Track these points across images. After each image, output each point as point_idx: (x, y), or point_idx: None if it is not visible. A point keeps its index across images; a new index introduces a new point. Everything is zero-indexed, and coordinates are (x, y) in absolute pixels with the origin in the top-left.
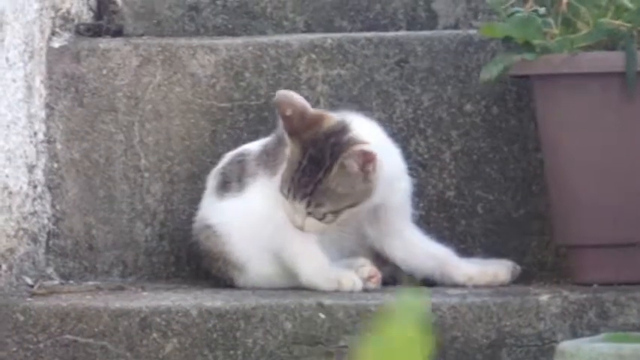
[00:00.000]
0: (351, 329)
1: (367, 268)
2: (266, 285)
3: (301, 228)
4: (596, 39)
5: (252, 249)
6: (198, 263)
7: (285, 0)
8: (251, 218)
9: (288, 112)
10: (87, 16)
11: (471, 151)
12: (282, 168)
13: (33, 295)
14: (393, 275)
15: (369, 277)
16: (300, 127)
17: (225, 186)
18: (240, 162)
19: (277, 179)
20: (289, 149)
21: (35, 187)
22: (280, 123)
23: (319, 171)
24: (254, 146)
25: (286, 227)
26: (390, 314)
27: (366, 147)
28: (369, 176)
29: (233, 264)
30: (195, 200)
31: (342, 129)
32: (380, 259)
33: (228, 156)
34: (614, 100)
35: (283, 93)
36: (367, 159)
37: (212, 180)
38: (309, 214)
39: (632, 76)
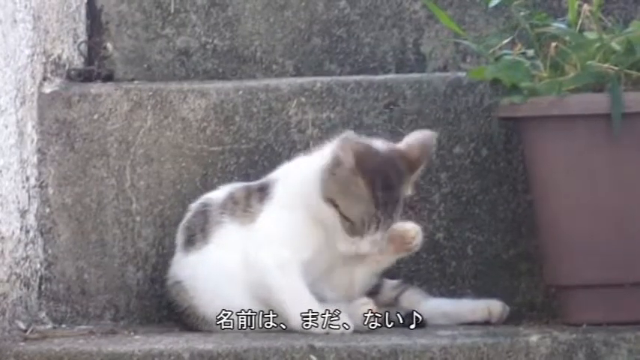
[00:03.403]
0: None
1: (368, 306)
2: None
3: (372, 250)
4: (584, 82)
5: (218, 301)
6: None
7: (274, 44)
8: (217, 269)
9: (355, 148)
10: (78, 62)
11: (460, 193)
12: (261, 216)
13: (26, 339)
14: (386, 317)
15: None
16: (363, 158)
17: (191, 239)
18: (204, 212)
19: (253, 227)
20: (351, 184)
21: (27, 231)
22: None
23: (395, 192)
24: (217, 194)
25: (272, 270)
26: None
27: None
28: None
29: (202, 318)
30: None
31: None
32: (374, 301)
33: (192, 208)
34: (601, 141)
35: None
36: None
37: (180, 235)
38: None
39: (618, 118)
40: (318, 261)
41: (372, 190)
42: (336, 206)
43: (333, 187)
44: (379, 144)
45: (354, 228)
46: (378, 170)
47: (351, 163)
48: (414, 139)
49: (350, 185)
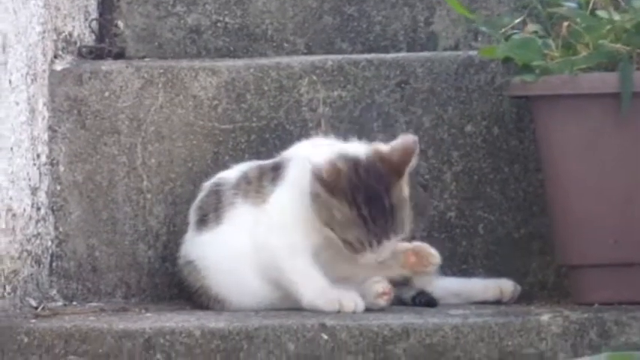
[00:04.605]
0: (354, 350)
1: (381, 284)
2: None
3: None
4: (596, 61)
5: (231, 281)
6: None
7: (285, 22)
8: (230, 250)
9: (326, 176)
10: (89, 39)
11: (471, 172)
12: (272, 197)
13: (37, 316)
14: (398, 296)
15: (382, 294)
16: (337, 181)
17: (203, 219)
18: (217, 192)
19: (265, 208)
20: (334, 210)
21: (38, 209)
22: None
23: (383, 201)
24: (230, 174)
25: (282, 253)
26: None
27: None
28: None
29: (214, 298)
30: None
31: (362, 157)
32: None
33: (205, 187)
34: (613, 120)
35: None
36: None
37: (192, 214)
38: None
39: (627, 97)
40: (331, 244)
41: (355, 209)
42: (333, 230)
43: (324, 213)
44: (360, 150)
45: (355, 248)
46: (356, 186)
47: (323, 191)
48: (398, 142)
49: (334, 210)
